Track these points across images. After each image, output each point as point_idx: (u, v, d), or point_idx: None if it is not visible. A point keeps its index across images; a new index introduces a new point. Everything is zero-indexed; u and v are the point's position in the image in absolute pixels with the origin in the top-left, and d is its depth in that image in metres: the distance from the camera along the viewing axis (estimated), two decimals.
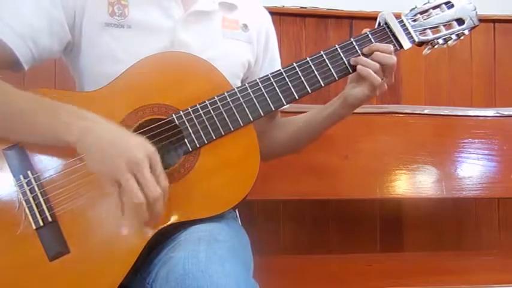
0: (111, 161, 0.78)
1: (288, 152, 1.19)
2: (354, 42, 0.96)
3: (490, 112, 1.56)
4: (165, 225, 0.85)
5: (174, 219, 0.86)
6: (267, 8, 1.16)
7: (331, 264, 1.42)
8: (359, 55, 0.95)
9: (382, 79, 0.95)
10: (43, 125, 0.84)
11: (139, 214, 0.79)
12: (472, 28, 1.00)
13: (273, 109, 0.93)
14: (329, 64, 0.95)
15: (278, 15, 1.67)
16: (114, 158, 0.78)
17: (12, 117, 0.85)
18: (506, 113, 1.55)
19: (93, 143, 0.80)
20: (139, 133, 0.87)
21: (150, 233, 0.85)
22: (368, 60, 0.94)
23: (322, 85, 0.95)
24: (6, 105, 0.85)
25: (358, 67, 0.95)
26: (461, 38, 1.01)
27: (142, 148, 0.80)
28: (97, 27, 0.96)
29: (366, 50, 0.96)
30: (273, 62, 1.13)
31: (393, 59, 0.95)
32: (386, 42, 0.97)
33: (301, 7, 1.74)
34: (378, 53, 0.94)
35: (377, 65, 0.94)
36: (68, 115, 0.83)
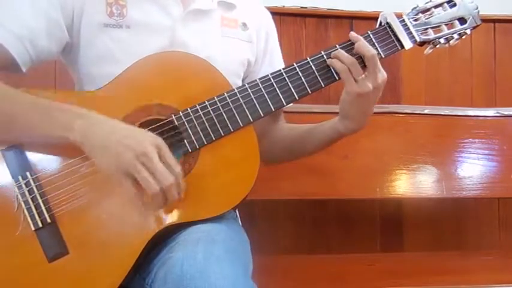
0: (121, 157, 0.79)
1: (289, 158, 1.18)
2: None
3: (490, 112, 1.55)
4: (165, 225, 0.85)
5: (174, 220, 0.86)
6: (267, 8, 1.16)
7: (331, 264, 1.42)
8: (359, 55, 0.94)
9: (361, 75, 0.92)
10: (41, 128, 0.84)
11: (156, 203, 0.81)
12: (474, 27, 1.00)
13: (273, 110, 0.93)
14: (329, 64, 0.94)
15: (278, 15, 1.66)
16: (123, 153, 0.79)
17: (11, 120, 0.85)
18: (506, 112, 1.55)
19: (98, 142, 0.81)
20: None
21: (150, 233, 0.84)
22: (342, 52, 0.92)
23: (323, 85, 0.95)
24: (5, 108, 0.85)
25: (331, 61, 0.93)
26: (463, 37, 1.00)
27: (149, 139, 0.81)
28: (95, 28, 0.95)
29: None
30: (273, 61, 1.12)
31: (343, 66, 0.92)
32: (387, 42, 0.96)
33: (302, 7, 1.74)
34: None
35: (350, 58, 0.91)
36: (65, 114, 0.83)
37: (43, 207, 0.84)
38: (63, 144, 0.83)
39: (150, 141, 0.81)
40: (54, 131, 0.83)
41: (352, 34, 0.94)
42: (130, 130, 0.83)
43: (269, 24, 1.14)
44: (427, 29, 0.98)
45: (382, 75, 0.94)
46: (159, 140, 0.82)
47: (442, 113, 1.54)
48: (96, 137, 0.81)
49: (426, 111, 1.53)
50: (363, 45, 0.92)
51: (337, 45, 0.95)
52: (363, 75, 0.92)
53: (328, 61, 0.94)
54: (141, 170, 0.79)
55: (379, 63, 0.93)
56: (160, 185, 0.79)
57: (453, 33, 0.99)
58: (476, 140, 1.52)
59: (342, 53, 0.93)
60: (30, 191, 0.84)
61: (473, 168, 1.51)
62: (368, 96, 0.94)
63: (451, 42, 1.00)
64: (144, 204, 0.82)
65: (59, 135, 0.82)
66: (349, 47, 0.95)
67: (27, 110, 0.85)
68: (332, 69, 0.94)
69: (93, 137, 0.81)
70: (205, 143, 0.89)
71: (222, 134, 0.90)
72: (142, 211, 0.83)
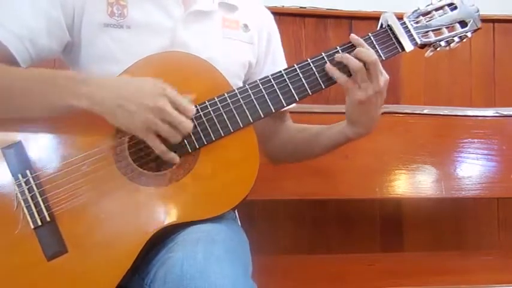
0: (139, 116, 0.83)
1: (296, 160, 1.18)
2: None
3: (489, 112, 1.56)
4: (164, 225, 0.85)
5: (173, 219, 0.86)
6: (267, 8, 1.16)
7: (331, 264, 1.42)
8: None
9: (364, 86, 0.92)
10: (48, 97, 0.85)
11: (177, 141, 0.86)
12: (475, 30, 1.00)
13: (273, 110, 0.93)
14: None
15: (278, 15, 1.65)
16: (140, 113, 0.82)
17: (14, 92, 0.86)
18: (505, 113, 1.55)
19: (111, 105, 0.83)
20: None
21: (149, 233, 0.84)
22: (347, 55, 0.92)
23: (323, 87, 0.95)
24: (6, 82, 0.86)
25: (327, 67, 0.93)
26: (464, 40, 1.00)
27: (157, 91, 0.84)
28: (96, 27, 0.95)
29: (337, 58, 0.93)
30: (276, 63, 1.12)
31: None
32: (388, 45, 0.96)
33: (301, 7, 1.74)
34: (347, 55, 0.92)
35: (357, 64, 0.91)
36: (68, 81, 0.85)
37: (42, 206, 0.84)
38: (65, 142, 0.84)
39: (158, 93, 0.83)
40: (60, 100, 0.84)
41: (353, 37, 0.94)
42: (137, 85, 0.85)
43: (271, 26, 1.14)
44: (427, 31, 0.98)
45: (385, 77, 0.94)
46: (166, 88, 0.84)
47: (442, 113, 1.54)
48: (105, 100, 0.83)
49: (426, 111, 1.53)
50: (364, 51, 0.92)
51: (337, 47, 0.95)
52: (367, 81, 0.92)
53: (329, 69, 0.93)
54: (164, 127, 0.84)
55: (380, 66, 0.93)
56: (183, 133, 0.85)
57: (454, 36, 0.99)
58: (476, 140, 1.52)
59: (347, 57, 0.92)
60: (30, 190, 0.85)
61: (472, 168, 1.51)
62: (372, 101, 0.94)
63: (452, 45, 1.00)
64: (166, 151, 0.86)
65: (65, 103, 0.84)
66: (351, 48, 0.95)
67: (30, 80, 0.86)
68: None
69: (103, 101, 0.83)
70: (205, 143, 0.89)
71: (222, 135, 0.90)
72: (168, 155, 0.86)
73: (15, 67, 0.89)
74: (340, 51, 0.95)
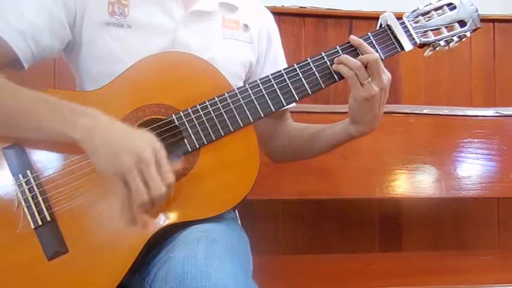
0: (119, 161, 0.78)
1: (299, 157, 1.18)
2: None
3: (489, 112, 1.56)
4: (164, 225, 0.85)
5: (173, 219, 0.86)
6: (267, 8, 1.16)
7: (331, 264, 1.42)
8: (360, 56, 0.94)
9: (367, 79, 0.93)
10: (47, 124, 0.83)
11: (144, 209, 0.80)
12: (474, 30, 1.00)
13: (273, 110, 0.93)
14: (330, 65, 0.95)
15: (278, 15, 1.66)
16: (122, 158, 0.78)
17: (17, 116, 0.85)
18: (505, 112, 1.55)
19: (99, 143, 0.80)
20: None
21: (150, 232, 0.84)
22: (347, 57, 0.93)
23: (323, 86, 0.95)
24: (10, 104, 0.85)
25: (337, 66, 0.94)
26: (463, 39, 1.00)
27: (148, 145, 0.80)
28: (97, 26, 0.95)
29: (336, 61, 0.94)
30: (276, 62, 1.12)
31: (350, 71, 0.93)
32: (387, 44, 0.96)
33: (301, 7, 1.74)
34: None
35: (357, 63, 0.92)
36: (70, 112, 0.83)
37: (43, 206, 0.84)
38: (65, 143, 0.83)
39: (149, 146, 0.80)
40: (58, 128, 0.82)
41: (353, 38, 0.95)
42: (130, 132, 0.83)
43: (271, 25, 1.14)
44: (427, 31, 0.98)
45: (387, 76, 0.94)
46: (158, 145, 0.81)
47: (441, 113, 1.54)
48: (96, 137, 0.81)
49: (425, 111, 1.53)
50: (366, 50, 0.93)
51: (337, 47, 0.96)
52: (369, 79, 0.93)
53: (334, 67, 0.94)
54: (136, 178, 0.78)
55: (382, 65, 0.93)
56: (151, 195, 0.78)
57: (453, 36, 1.00)
58: (476, 140, 1.52)
59: (347, 57, 0.93)
60: (31, 189, 0.85)
61: (472, 168, 1.51)
62: (375, 99, 0.94)
63: (451, 44, 1.00)
64: (129, 208, 0.80)
65: (62, 133, 0.82)
66: (351, 48, 0.95)
67: (35, 105, 0.85)
68: (332, 71, 0.95)
69: (94, 138, 0.81)
70: (206, 142, 0.89)
71: (222, 134, 0.90)
72: (128, 217, 0.81)
73: (20, 87, 0.87)
74: (339, 50, 0.95)
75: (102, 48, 0.96)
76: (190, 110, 0.90)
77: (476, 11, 0.99)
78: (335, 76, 0.95)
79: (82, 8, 0.95)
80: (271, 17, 1.15)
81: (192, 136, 0.89)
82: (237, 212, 1.11)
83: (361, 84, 0.93)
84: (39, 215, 0.84)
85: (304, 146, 1.12)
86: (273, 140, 1.14)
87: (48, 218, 0.84)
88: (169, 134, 0.90)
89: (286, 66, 0.96)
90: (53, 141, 0.84)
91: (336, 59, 0.94)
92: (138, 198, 0.78)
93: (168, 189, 0.80)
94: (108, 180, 0.81)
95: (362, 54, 0.93)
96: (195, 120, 0.89)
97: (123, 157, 0.78)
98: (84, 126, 0.81)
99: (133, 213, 0.80)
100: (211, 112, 0.90)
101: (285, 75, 0.94)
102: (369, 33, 0.97)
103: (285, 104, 0.93)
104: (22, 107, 0.84)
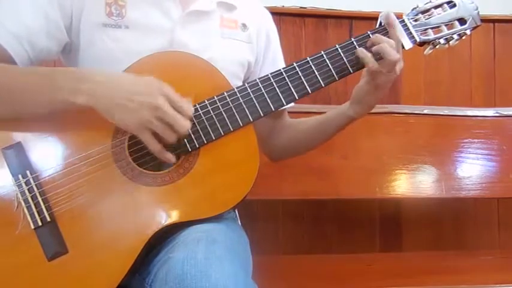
0: (136, 114, 0.82)
1: (297, 153, 1.20)
2: (355, 42, 0.96)
3: (489, 112, 1.56)
4: (164, 225, 0.85)
5: (173, 219, 0.86)
6: (267, 8, 1.16)
7: (331, 264, 1.42)
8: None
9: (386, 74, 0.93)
10: (46, 93, 0.84)
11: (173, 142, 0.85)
12: (474, 28, 1.00)
13: (273, 109, 0.93)
14: (329, 64, 0.95)
15: (278, 15, 1.67)
16: (137, 111, 0.81)
17: (13, 90, 0.85)
18: (505, 113, 1.55)
19: (109, 102, 0.82)
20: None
21: (150, 232, 0.84)
22: (381, 36, 0.94)
23: (323, 85, 0.95)
24: (7, 84, 0.86)
25: (357, 50, 0.94)
26: (463, 38, 1.00)
27: (156, 90, 0.83)
28: (94, 27, 0.95)
29: (369, 43, 0.95)
30: (275, 62, 1.12)
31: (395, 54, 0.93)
32: None
33: (301, 7, 1.74)
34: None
35: (390, 41, 0.92)
36: (66, 78, 0.84)
37: (43, 206, 0.84)
38: (66, 141, 0.83)
39: (157, 91, 0.83)
40: (59, 96, 0.83)
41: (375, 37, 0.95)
42: (136, 82, 0.85)
43: (269, 25, 1.14)
44: (426, 29, 0.98)
45: (400, 65, 0.95)
46: (166, 87, 0.84)
47: (442, 113, 1.54)
48: (105, 97, 0.83)
49: (425, 111, 1.53)
50: (382, 39, 0.94)
51: (336, 45, 0.95)
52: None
53: (360, 52, 0.94)
54: (159, 125, 0.82)
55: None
56: (179, 133, 0.84)
57: (453, 34, 0.99)
58: (476, 140, 1.52)
59: (381, 37, 0.94)
60: (30, 190, 0.84)
61: (472, 168, 1.51)
62: (387, 86, 0.96)
63: (451, 42, 1.00)
64: (162, 150, 0.85)
65: (64, 100, 0.83)
66: (350, 46, 0.95)
67: (29, 78, 0.85)
68: (332, 69, 0.94)
69: (103, 98, 0.83)
70: (205, 142, 0.89)
71: (222, 134, 0.90)
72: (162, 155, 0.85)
73: (14, 65, 0.89)
74: (339, 49, 0.95)
75: (100, 50, 0.95)
76: None
77: (476, 8, 0.99)
78: (335, 75, 0.95)
79: (79, 10, 0.95)
80: (270, 16, 1.15)
81: (192, 135, 0.89)
82: (237, 212, 1.11)
83: (385, 72, 0.93)
84: (39, 215, 0.84)
85: (305, 139, 1.13)
86: (272, 139, 1.14)
87: (48, 219, 0.84)
88: None
89: (284, 65, 0.96)
90: (56, 111, 0.85)
91: (368, 42, 0.94)
92: (168, 139, 0.84)
93: (192, 121, 0.85)
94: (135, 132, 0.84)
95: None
96: (194, 120, 0.89)
97: (138, 111, 0.82)
98: (87, 89, 0.83)
99: (167, 155, 0.85)
100: (211, 111, 0.90)
101: (284, 74, 0.94)
102: (369, 32, 0.97)
103: (284, 103, 0.93)
104: (16, 82, 0.85)
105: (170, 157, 0.86)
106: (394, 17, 0.96)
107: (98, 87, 0.83)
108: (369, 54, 0.93)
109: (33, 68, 0.89)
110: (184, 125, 0.84)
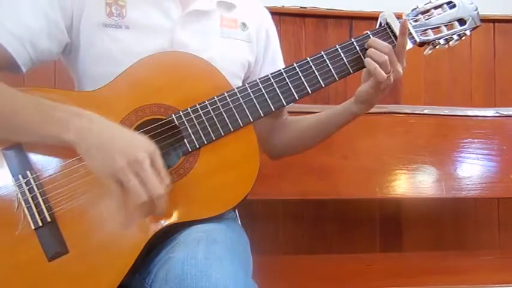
0: (113, 161, 0.77)
1: (298, 151, 1.19)
2: (355, 43, 0.96)
3: (489, 112, 1.56)
4: (164, 225, 0.85)
5: (173, 219, 0.86)
6: (267, 8, 1.16)
7: (331, 264, 1.43)
8: (359, 55, 0.95)
9: (388, 73, 0.93)
10: (39, 126, 0.83)
11: (143, 211, 0.79)
12: (474, 28, 1.00)
13: (273, 110, 0.93)
14: (329, 64, 0.95)
15: (278, 15, 1.67)
16: (115, 158, 0.77)
17: (9, 119, 0.85)
18: (505, 113, 1.55)
19: (92, 143, 0.80)
20: (139, 133, 0.87)
21: (150, 232, 0.84)
22: (375, 51, 0.93)
23: (323, 85, 0.95)
24: (6, 107, 0.85)
25: (366, 60, 0.94)
26: (463, 38, 1.00)
27: (142, 146, 0.80)
28: (95, 28, 0.95)
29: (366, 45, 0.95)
30: (274, 61, 1.12)
31: (383, 57, 0.93)
32: (387, 43, 0.96)
33: (301, 7, 1.74)
34: (372, 49, 0.94)
35: (384, 57, 0.92)
36: (64, 114, 0.82)
37: (43, 206, 0.84)
38: (61, 145, 0.83)
39: (143, 148, 0.79)
40: (50, 131, 0.82)
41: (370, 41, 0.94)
42: (125, 134, 0.83)
43: (269, 24, 1.14)
44: (426, 29, 0.98)
45: (403, 65, 0.95)
46: (152, 147, 0.81)
47: (442, 113, 1.54)
48: (90, 138, 0.80)
49: (426, 111, 1.53)
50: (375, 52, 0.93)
51: (336, 46, 0.95)
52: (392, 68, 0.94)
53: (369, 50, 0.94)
54: (131, 178, 0.77)
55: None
56: (149, 194, 0.77)
57: (452, 34, 0.99)
58: (476, 140, 1.52)
59: (378, 41, 0.93)
60: (31, 190, 0.84)
61: (472, 168, 1.51)
62: (389, 85, 0.95)
63: (451, 43, 1.00)
64: (128, 213, 0.79)
65: (54, 135, 0.82)
66: (351, 46, 0.95)
67: (28, 109, 0.84)
68: (332, 69, 0.95)
69: (87, 138, 0.80)
70: (206, 142, 0.89)
71: (222, 134, 0.90)
72: (125, 220, 0.80)
73: (16, 90, 0.86)
74: (339, 49, 0.95)
75: (100, 50, 0.95)
76: (190, 110, 0.90)
77: (476, 9, 0.99)
78: (335, 75, 0.95)
79: (79, 10, 0.95)
80: (269, 15, 1.15)
81: (192, 136, 0.89)
82: (237, 212, 1.11)
83: (390, 71, 0.93)
84: (39, 215, 0.84)
85: (304, 137, 1.13)
86: (272, 138, 1.14)
87: (49, 219, 0.84)
88: (169, 134, 0.90)
89: (283, 65, 0.96)
90: (48, 144, 0.84)
91: (366, 44, 0.94)
92: (136, 198, 0.77)
93: (166, 191, 0.80)
94: (104, 182, 0.80)
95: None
96: (194, 120, 0.89)
97: (116, 158, 0.77)
98: (77, 128, 0.81)
99: (130, 216, 0.79)
100: (211, 112, 0.90)
101: (284, 74, 0.94)
102: (368, 32, 0.97)
103: (284, 104, 0.93)
104: (16, 111, 0.84)
105: (129, 226, 0.82)
106: (407, 26, 0.95)
107: (90, 127, 0.81)
108: (376, 64, 0.92)
109: (35, 98, 0.85)
110: (159, 187, 0.78)
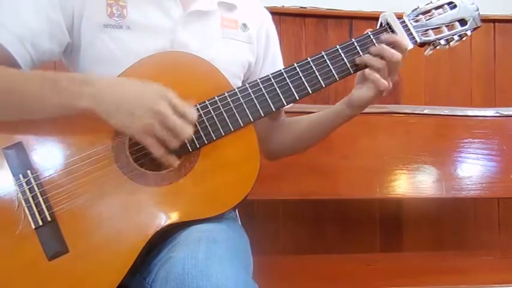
0: (137, 118, 0.82)
1: (295, 152, 1.20)
2: (356, 43, 0.96)
3: (489, 112, 1.56)
4: (165, 225, 0.85)
5: (174, 219, 0.86)
6: (267, 8, 1.16)
7: (331, 264, 1.43)
8: (360, 55, 0.95)
9: (386, 78, 0.94)
10: (50, 97, 0.84)
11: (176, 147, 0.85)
12: (475, 29, 1.00)
13: (274, 110, 0.93)
14: (330, 64, 0.95)
15: (278, 15, 1.67)
16: (138, 114, 0.82)
17: (19, 96, 0.85)
18: (505, 113, 1.55)
19: (109, 105, 0.83)
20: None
21: (150, 232, 0.84)
22: (372, 58, 0.94)
23: (323, 85, 0.95)
24: (8, 88, 0.86)
25: (366, 71, 0.94)
26: (464, 38, 1.00)
27: (159, 96, 0.83)
28: (96, 28, 0.95)
29: (373, 50, 0.95)
30: (274, 62, 1.12)
31: (397, 55, 0.93)
32: (388, 43, 0.96)
33: (301, 7, 1.74)
34: (384, 46, 0.94)
35: (382, 63, 0.93)
36: (72, 83, 0.84)
37: (43, 206, 0.84)
38: (65, 140, 0.84)
39: (159, 96, 0.83)
40: (62, 101, 0.83)
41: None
42: (138, 88, 0.85)
43: (269, 26, 1.14)
44: (427, 30, 0.98)
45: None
46: (168, 92, 0.84)
47: (442, 113, 1.54)
48: (107, 101, 0.83)
49: (426, 111, 1.54)
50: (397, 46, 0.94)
51: (337, 46, 0.95)
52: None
53: (359, 59, 0.94)
54: (160, 130, 0.82)
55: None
56: (180, 138, 0.84)
57: (453, 35, 0.99)
58: (476, 140, 1.52)
59: (382, 46, 0.94)
60: (31, 190, 0.84)
61: (472, 168, 1.51)
62: (387, 90, 0.96)
63: (452, 43, 1.00)
64: (164, 155, 0.85)
65: (68, 105, 0.83)
66: (351, 46, 0.95)
67: (34, 83, 0.85)
68: (332, 69, 0.95)
69: (104, 102, 0.83)
70: (206, 142, 0.89)
71: (223, 134, 0.90)
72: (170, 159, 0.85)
73: (16, 69, 0.89)
74: (339, 49, 0.95)
75: (101, 50, 0.95)
76: None
77: (477, 9, 0.99)
78: (335, 75, 0.95)
79: (80, 11, 0.95)
80: (270, 16, 1.15)
81: (193, 136, 0.89)
82: (237, 212, 1.11)
83: (386, 77, 0.94)
84: (39, 215, 0.84)
85: (301, 138, 1.13)
86: (270, 139, 1.14)
87: (49, 218, 0.84)
88: None
89: (283, 66, 0.96)
90: (59, 115, 0.85)
91: (372, 50, 0.94)
92: (170, 145, 0.84)
93: (195, 127, 0.85)
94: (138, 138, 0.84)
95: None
96: (197, 125, 0.89)
97: (140, 115, 0.82)
98: (90, 93, 0.83)
99: (170, 159, 0.85)
100: (211, 111, 0.90)
101: (285, 74, 0.93)
102: (369, 32, 0.97)
103: (285, 104, 0.93)
104: (19, 88, 0.85)
105: (173, 161, 0.86)
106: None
107: (100, 91, 0.83)
108: (371, 56, 0.93)
109: (36, 72, 0.88)
110: (187, 130, 0.84)
